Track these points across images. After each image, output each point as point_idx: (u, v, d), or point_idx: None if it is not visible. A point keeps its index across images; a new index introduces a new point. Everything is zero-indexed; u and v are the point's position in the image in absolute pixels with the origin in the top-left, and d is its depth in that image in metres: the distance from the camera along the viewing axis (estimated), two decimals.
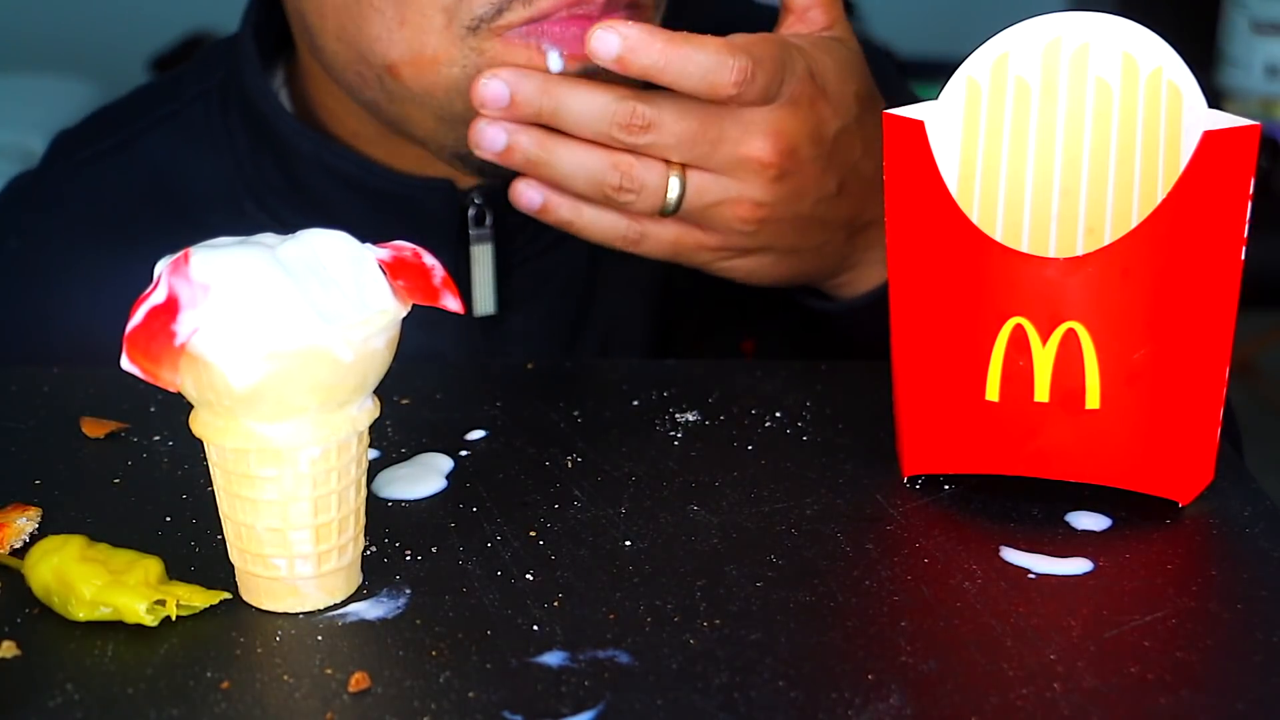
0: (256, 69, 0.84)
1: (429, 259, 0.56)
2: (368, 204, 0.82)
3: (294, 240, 0.54)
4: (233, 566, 0.56)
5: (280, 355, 0.51)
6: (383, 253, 0.55)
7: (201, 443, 0.55)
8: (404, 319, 0.82)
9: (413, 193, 0.82)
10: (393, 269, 0.55)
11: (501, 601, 0.55)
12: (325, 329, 0.52)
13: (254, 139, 0.85)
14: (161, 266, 0.52)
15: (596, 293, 0.87)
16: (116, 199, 0.88)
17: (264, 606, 0.55)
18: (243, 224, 0.81)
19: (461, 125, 0.75)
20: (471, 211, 0.82)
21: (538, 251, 0.85)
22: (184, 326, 0.51)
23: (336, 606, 0.55)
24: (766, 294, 0.89)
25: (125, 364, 0.52)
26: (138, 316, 0.52)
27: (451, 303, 0.56)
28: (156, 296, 0.52)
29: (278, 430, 0.53)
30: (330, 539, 0.55)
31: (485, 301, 0.84)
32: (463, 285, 0.83)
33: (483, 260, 0.83)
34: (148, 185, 0.88)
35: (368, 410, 0.55)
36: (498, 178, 0.77)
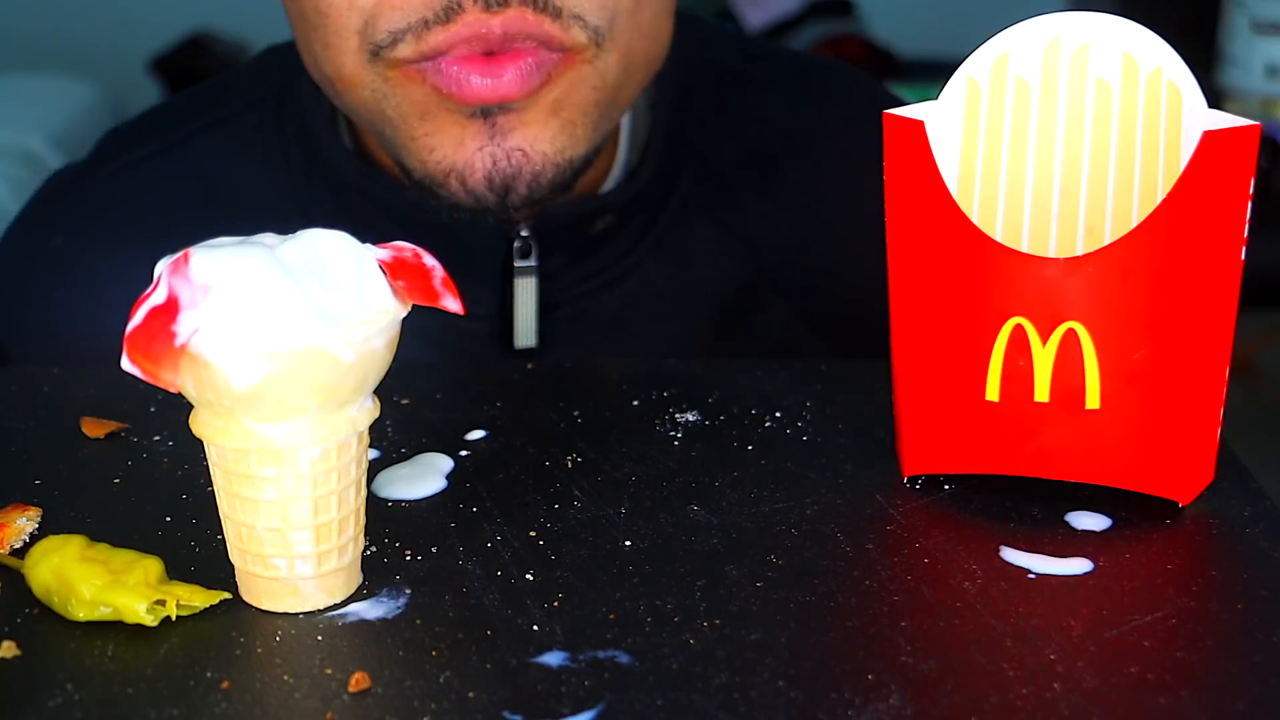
0: (313, 85, 0.82)
1: (429, 259, 0.56)
2: (413, 233, 0.78)
3: (294, 240, 0.54)
4: (233, 566, 0.56)
5: (280, 355, 0.51)
6: (383, 253, 0.55)
7: (201, 443, 0.55)
8: (448, 348, 0.82)
9: (456, 225, 0.80)
10: (393, 269, 0.55)
11: (501, 601, 0.55)
12: (325, 329, 0.52)
13: (307, 157, 0.84)
14: (161, 267, 0.53)
15: (643, 337, 0.86)
16: (163, 203, 0.87)
17: (264, 606, 0.55)
18: None
19: (385, 142, 0.77)
20: (516, 244, 0.81)
21: (585, 292, 0.84)
22: (184, 327, 0.51)
23: (336, 606, 0.55)
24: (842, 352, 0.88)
25: (125, 364, 0.52)
26: (138, 317, 0.52)
27: (451, 303, 0.56)
28: (156, 297, 0.52)
29: (278, 430, 0.53)
30: (330, 539, 0.55)
31: (527, 335, 0.83)
32: (505, 317, 0.83)
33: (525, 293, 0.82)
34: (195, 191, 0.87)
35: (368, 410, 0.55)
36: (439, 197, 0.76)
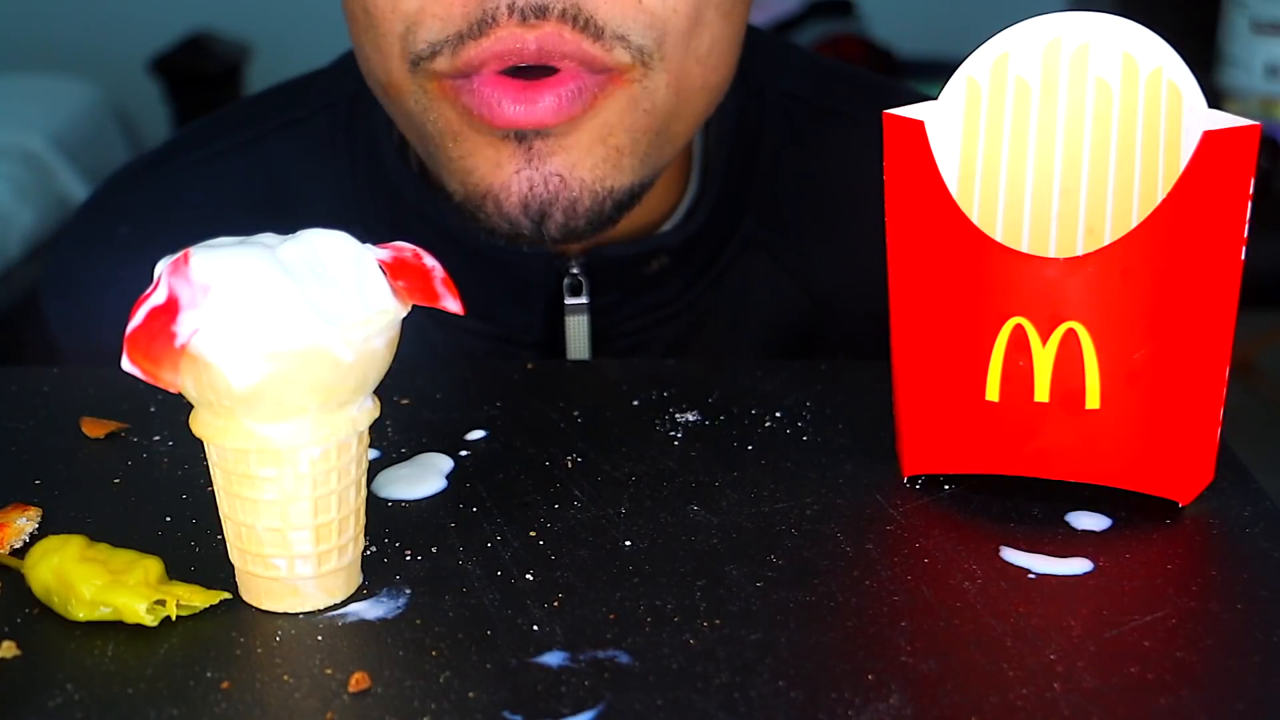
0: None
1: (429, 260, 0.56)
2: (465, 261, 0.76)
3: (294, 240, 0.54)
4: (233, 566, 0.56)
5: (280, 355, 0.51)
6: (383, 253, 0.55)
7: (201, 443, 0.55)
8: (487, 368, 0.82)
9: (508, 256, 0.80)
10: (393, 269, 0.55)
11: (501, 601, 0.55)
12: (325, 329, 0.52)
13: (371, 168, 0.83)
14: (162, 267, 0.53)
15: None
16: (231, 200, 0.86)
17: (264, 606, 0.55)
18: None
19: (429, 160, 0.75)
20: (566, 281, 0.80)
21: (639, 327, 0.83)
22: (184, 327, 0.51)
23: (336, 606, 0.55)
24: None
25: (126, 365, 0.52)
26: (138, 317, 0.52)
27: (451, 304, 0.56)
28: (157, 297, 0.52)
29: (278, 430, 0.53)
30: (330, 539, 0.55)
31: None
32: (557, 348, 0.82)
33: (577, 330, 0.81)
34: (264, 190, 0.86)
35: (368, 410, 0.55)
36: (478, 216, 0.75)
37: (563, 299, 0.81)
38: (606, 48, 0.69)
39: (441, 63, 0.70)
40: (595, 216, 0.73)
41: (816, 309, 0.86)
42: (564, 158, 0.71)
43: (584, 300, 0.81)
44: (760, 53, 0.86)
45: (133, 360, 0.51)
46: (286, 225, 0.85)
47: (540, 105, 0.69)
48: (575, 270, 0.80)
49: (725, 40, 0.74)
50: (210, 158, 0.88)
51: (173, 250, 0.86)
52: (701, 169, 0.84)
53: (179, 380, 0.52)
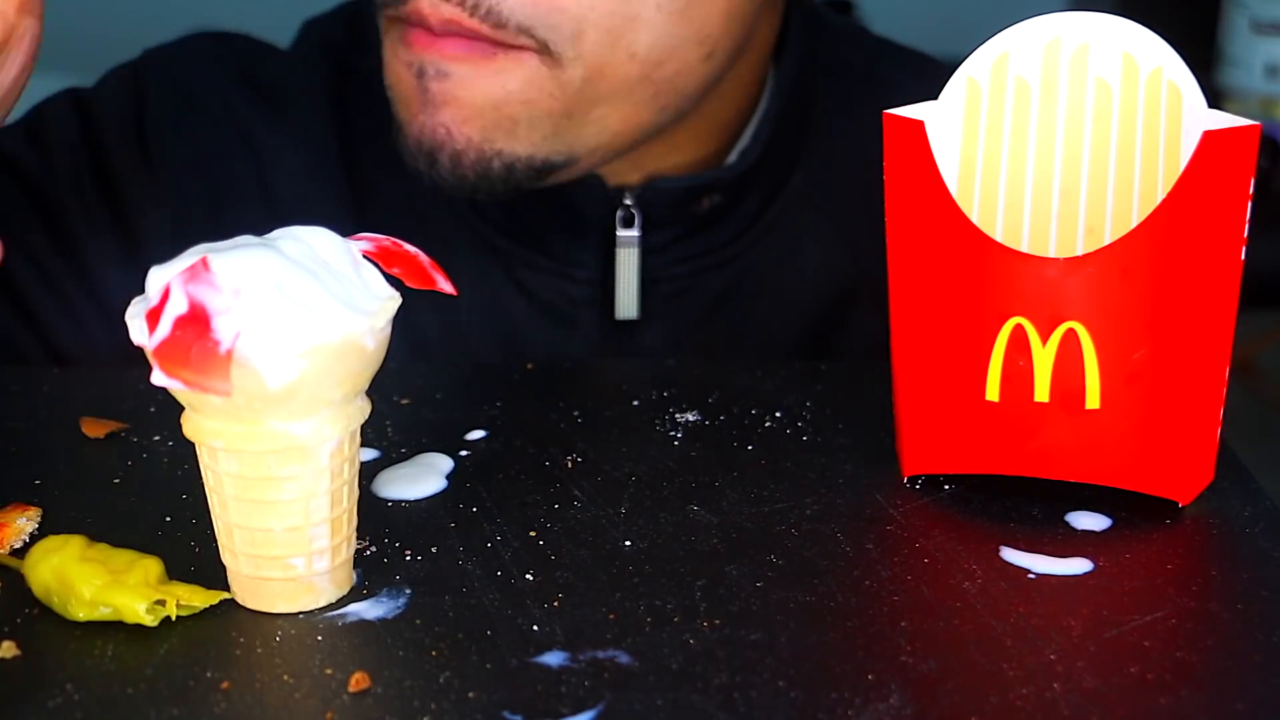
0: None
1: (409, 246, 0.56)
2: (524, 194, 0.80)
3: (289, 238, 0.53)
4: None
5: (318, 350, 0.51)
6: (364, 244, 0.55)
7: (194, 445, 0.54)
8: (538, 316, 0.84)
9: (565, 186, 0.81)
10: (383, 258, 0.55)
11: (501, 601, 0.55)
12: (356, 319, 0.52)
13: None
14: (163, 277, 0.52)
15: (741, 323, 0.86)
16: (355, 102, 0.89)
17: (276, 610, 0.55)
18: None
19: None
20: (620, 213, 0.82)
21: (688, 271, 0.85)
22: (225, 333, 0.50)
23: (336, 606, 0.55)
24: None
25: (159, 379, 0.50)
26: (163, 329, 0.50)
27: (445, 285, 0.56)
28: (176, 307, 0.50)
29: (302, 427, 0.52)
30: (342, 530, 0.55)
31: (628, 306, 0.83)
32: (607, 286, 0.84)
33: (627, 263, 0.83)
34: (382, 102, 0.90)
35: (364, 397, 0.55)
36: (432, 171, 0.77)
37: (615, 233, 0.82)
38: (510, 36, 0.73)
39: (390, 9, 0.75)
40: (483, 172, 0.76)
41: (861, 266, 0.87)
42: (453, 111, 0.74)
43: (635, 233, 0.82)
44: (819, 23, 0.90)
45: (170, 373, 0.50)
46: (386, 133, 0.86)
47: (445, 39, 0.73)
48: (629, 202, 0.82)
49: (680, 39, 0.75)
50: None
51: (259, 106, 0.89)
52: (762, 117, 0.85)
53: (229, 385, 0.51)
